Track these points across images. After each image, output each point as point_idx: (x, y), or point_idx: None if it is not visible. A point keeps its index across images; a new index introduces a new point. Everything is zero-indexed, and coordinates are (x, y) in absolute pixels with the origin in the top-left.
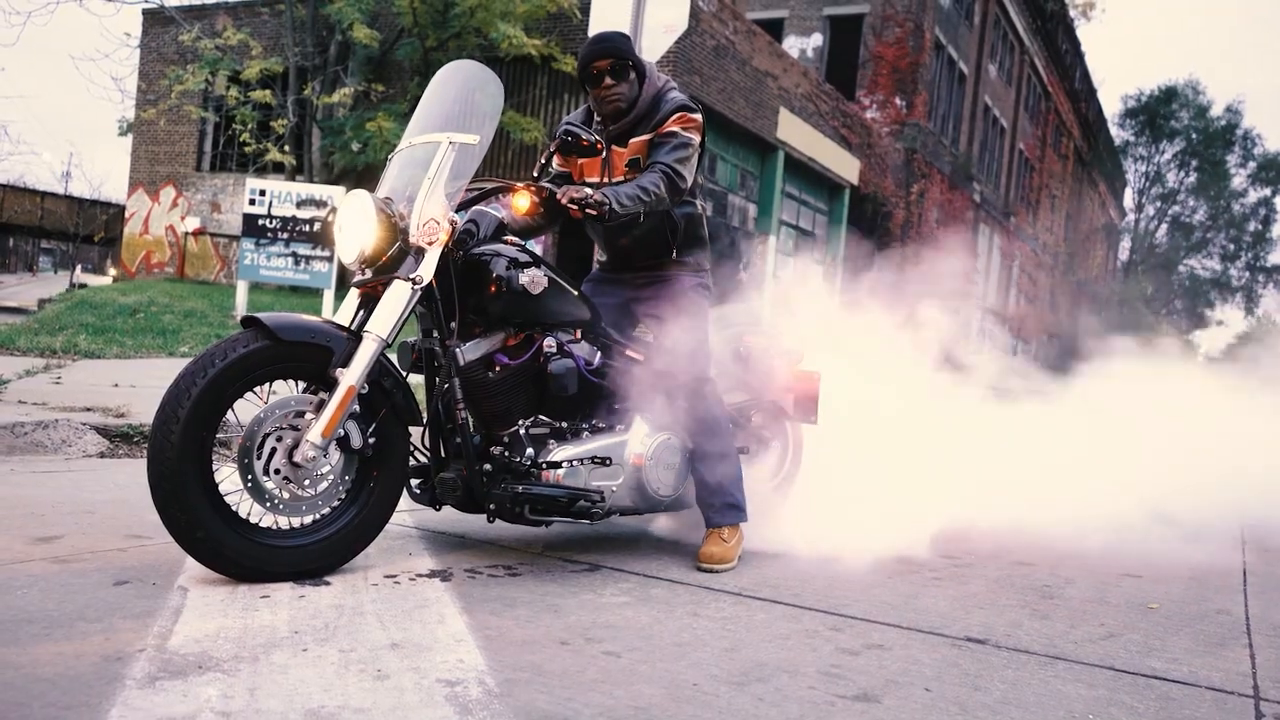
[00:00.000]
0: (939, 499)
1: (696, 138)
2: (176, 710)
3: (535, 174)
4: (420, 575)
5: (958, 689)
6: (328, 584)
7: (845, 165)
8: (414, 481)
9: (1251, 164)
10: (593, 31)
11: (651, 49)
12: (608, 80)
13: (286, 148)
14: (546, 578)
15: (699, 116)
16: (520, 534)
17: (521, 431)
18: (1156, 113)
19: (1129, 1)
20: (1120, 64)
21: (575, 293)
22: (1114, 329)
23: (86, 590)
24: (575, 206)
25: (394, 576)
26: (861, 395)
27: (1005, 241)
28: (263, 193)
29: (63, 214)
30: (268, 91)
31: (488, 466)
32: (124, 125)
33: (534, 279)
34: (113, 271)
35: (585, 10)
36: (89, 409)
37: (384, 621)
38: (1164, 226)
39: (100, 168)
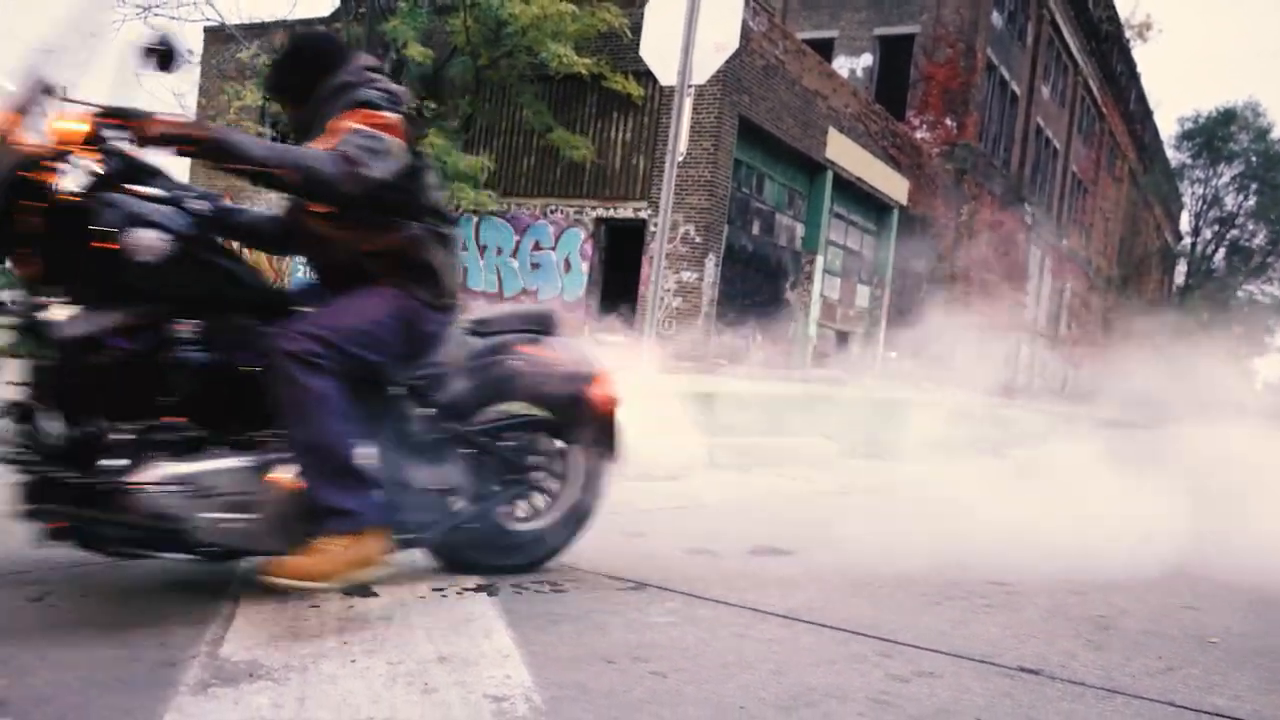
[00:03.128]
0: (987, 522)
1: (391, 139)
2: (228, 717)
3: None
4: (466, 589)
5: None
6: (376, 595)
7: (894, 185)
8: None
9: None
10: (643, 51)
11: (702, 68)
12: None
13: None
14: (591, 595)
15: (393, 118)
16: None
17: (123, 437)
18: (1214, 135)
19: (1187, 22)
20: (1178, 85)
21: (238, 269)
22: (1175, 355)
23: (142, 595)
24: (168, 135)
25: (441, 589)
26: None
27: (1057, 264)
28: None
29: None
30: None
31: (59, 473)
32: None
33: (143, 242)
34: None
35: (636, 30)
36: None
37: (431, 634)
38: (1221, 250)
39: None
